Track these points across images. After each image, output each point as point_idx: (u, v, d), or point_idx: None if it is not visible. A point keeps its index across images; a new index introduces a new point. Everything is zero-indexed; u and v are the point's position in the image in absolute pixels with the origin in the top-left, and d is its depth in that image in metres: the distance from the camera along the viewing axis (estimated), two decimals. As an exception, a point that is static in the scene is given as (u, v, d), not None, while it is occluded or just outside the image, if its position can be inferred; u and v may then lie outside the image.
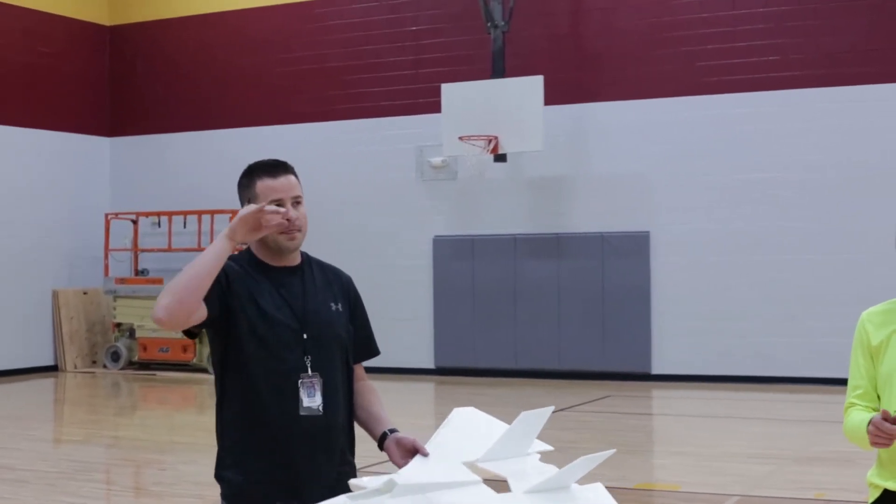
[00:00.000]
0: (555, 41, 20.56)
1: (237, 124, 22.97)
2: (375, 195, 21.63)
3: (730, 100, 19.36)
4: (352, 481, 3.55)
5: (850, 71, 18.63)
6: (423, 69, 21.37)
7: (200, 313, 3.93)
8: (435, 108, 20.15)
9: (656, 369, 19.62)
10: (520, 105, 19.11)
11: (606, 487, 3.62)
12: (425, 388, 19.59)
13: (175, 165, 23.53)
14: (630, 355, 19.71)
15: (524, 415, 3.69)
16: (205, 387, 19.96)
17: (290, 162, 4.40)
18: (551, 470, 3.69)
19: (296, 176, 4.29)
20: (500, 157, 19.77)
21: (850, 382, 4.13)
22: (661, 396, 18.45)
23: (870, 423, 3.78)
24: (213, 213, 22.01)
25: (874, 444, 3.79)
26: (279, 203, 4.13)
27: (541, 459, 3.81)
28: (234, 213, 22.02)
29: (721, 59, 19.43)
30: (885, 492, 3.96)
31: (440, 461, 3.71)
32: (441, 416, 14.28)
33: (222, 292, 4.03)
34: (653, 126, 19.79)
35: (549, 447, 3.92)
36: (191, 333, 4.13)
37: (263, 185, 4.18)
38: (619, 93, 20.12)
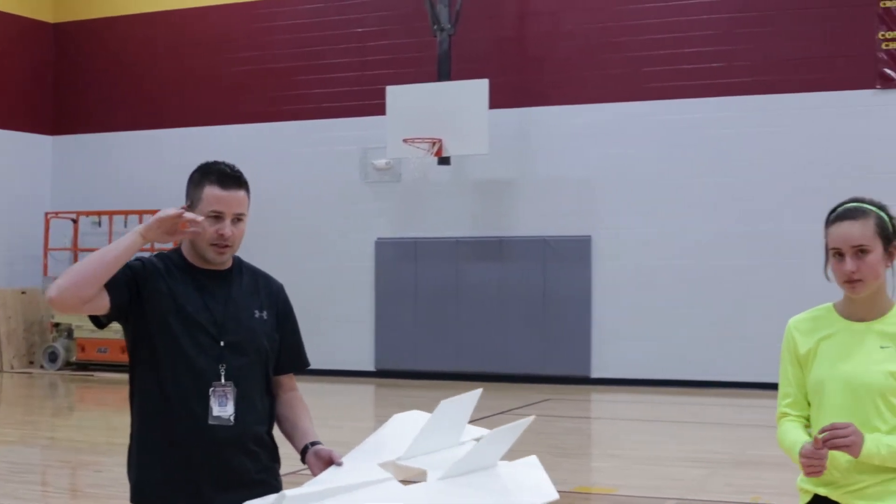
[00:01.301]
0: (500, 45, 20.62)
1: (182, 124, 22.84)
2: (319, 196, 21.59)
3: (674, 106, 19.51)
4: (247, 503, 3.53)
5: (794, 78, 18.82)
6: (368, 71, 21.36)
7: (101, 302, 3.84)
8: (380, 110, 20.15)
9: (596, 373, 19.72)
10: (465, 108, 19.14)
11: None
12: (366, 391, 19.56)
13: (118, 165, 23.36)
14: (570, 359, 19.80)
15: (445, 403, 3.64)
16: (144, 387, 19.84)
17: (234, 163, 4.35)
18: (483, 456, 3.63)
19: (247, 191, 4.19)
20: (444, 160, 19.78)
21: (780, 391, 4.17)
22: (600, 400, 18.54)
23: (801, 453, 3.85)
24: (154, 213, 21.81)
25: (809, 474, 3.85)
26: (219, 215, 4.05)
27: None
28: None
29: (666, 65, 19.57)
30: (815, 496, 4.02)
31: (353, 467, 3.66)
32: (381, 419, 14.24)
33: (130, 282, 3.95)
34: (597, 131, 19.89)
35: (485, 431, 3.87)
36: (98, 322, 4.00)
37: (210, 192, 4.08)
38: (564, 97, 20.21)
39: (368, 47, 21.47)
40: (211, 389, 3.95)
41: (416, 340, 20.66)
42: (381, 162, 20.91)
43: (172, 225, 3.87)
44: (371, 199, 21.36)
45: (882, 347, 3.94)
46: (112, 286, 3.87)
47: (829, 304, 4.13)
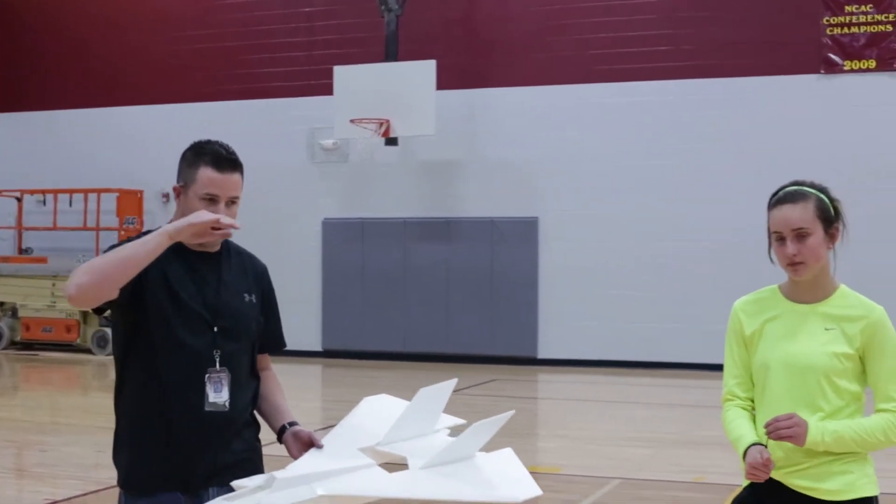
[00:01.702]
0: (448, 26, 20.62)
1: (128, 102, 22.66)
2: (266, 176, 21.47)
3: (621, 88, 19.60)
4: (234, 482, 3.49)
5: (739, 62, 18.98)
6: (316, 51, 21.29)
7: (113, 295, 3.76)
8: (327, 90, 20.09)
9: (542, 354, 19.83)
10: (412, 89, 19.13)
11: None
12: (313, 371, 19.56)
13: (62, 143, 23.13)
14: (517, 340, 19.89)
15: (423, 391, 3.65)
16: (88, 367, 19.72)
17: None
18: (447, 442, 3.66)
19: (241, 174, 4.11)
20: (392, 141, 19.78)
21: (725, 371, 4.22)
22: (547, 380, 18.65)
23: (748, 462, 3.91)
24: (99, 191, 21.72)
25: (750, 478, 3.92)
26: (214, 198, 3.94)
27: (453, 434, 3.76)
28: (122, 191, 21.66)
29: (613, 48, 19.65)
30: (759, 475, 4.09)
31: (335, 451, 3.65)
32: (329, 399, 14.27)
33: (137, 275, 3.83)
34: (544, 112, 19.95)
35: (460, 420, 3.91)
36: (99, 310, 3.88)
37: (205, 174, 3.96)
38: (511, 79, 20.25)
39: (316, 27, 21.40)
40: (207, 376, 3.90)
41: (363, 321, 20.67)
42: (328, 142, 20.88)
43: (205, 230, 3.74)
44: (318, 179, 21.32)
45: (826, 329, 4.00)
46: None
47: (775, 286, 4.18)
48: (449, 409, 3.89)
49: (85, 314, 21.35)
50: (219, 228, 3.78)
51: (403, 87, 19.22)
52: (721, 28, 19.13)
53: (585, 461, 11.05)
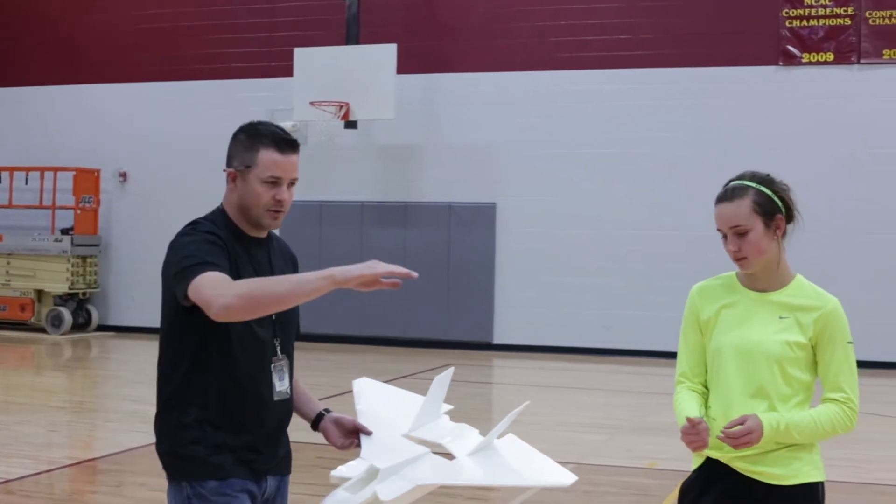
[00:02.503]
0: (409, 10, 20.59)
1: (87, 80, 22.49)
2: (224, 157, 21.39)
3: (580, 76, 19.65)
4: (334, 472, 3.50)
5: (698, 52, 19.07)
6: (276, 32, 21.21)
7: None
8: (287, 71, 20.03)
9: (498, 339, 19.88)
10: (372, 72, 19.10)
11: (445, 455, 3.71)
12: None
13: (19, 120, 22.94)
14: (473, 325, 19.93)
15: (437, 379, 3.81)
16: (42, 346, 19.60)
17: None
18: (468, 428, 3.89)
19: (297, 155, 4.01)
20: (351, 124, 19.75)
21: (679, 355, 4.27)
22: (502, 366, 18.71)
23: (682, 430, 3.95)
24: (56, 169, 21.56)
25: (693, 449, 3.98)
26: (277, 181, 3.88)
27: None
28: (78, 170, 21.53)
29: (573, 36, 19.70)
30: (708, 459, 4.13)
31: (385, 439, 3.75)
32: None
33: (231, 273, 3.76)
34: (503, 99, 19.98)
35: (449, 406, 4.08)
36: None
37: (269, 157, 3.89)
38: (471, 64, 20.26)
39: (278, 8, 21.32)
40: (272, 364, 3.91)
41: (319, 304, 20.45)
42: (287, 124, 20.68)
43: (375, 280, 3.62)
44: (277, 161, 21.20)
45: (781, 318, 4.05)
46: (222, 268, 3.72)
47: (732, 274, 4.23)
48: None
49: (40, 293, 21.23)
50: (389, 278, 3.66)
51: (364, 71, 19.18)
52: (680, 17, 19.21)
53: (539, 446, 11.02)
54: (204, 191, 21.63)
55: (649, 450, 10.94)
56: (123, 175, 22.14)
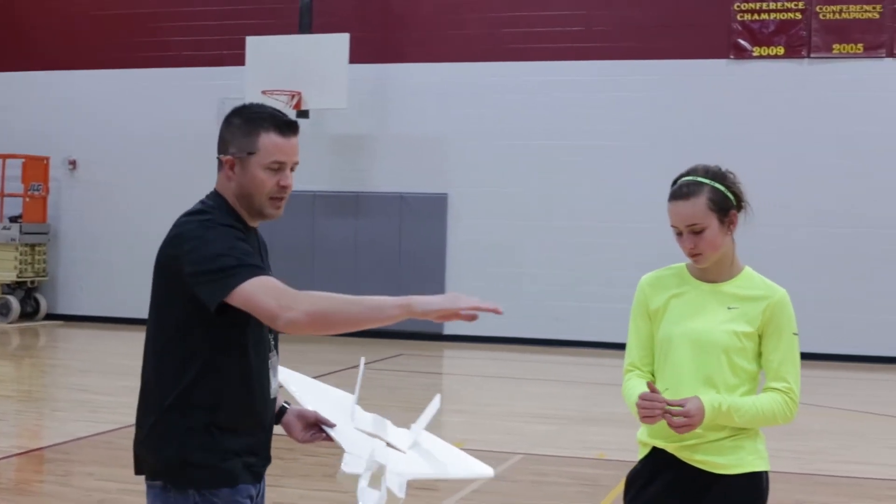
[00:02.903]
0: (362, 0, 20.55)
1: (37, 67, 22.27)
2: (176, 146, 21.30)
3: (532, 67, 19.70)
4: (345, 468, 3.43)
5: (650, 45, 19.16)
6: (229, 20, 21.10)
7: None
8: (239, 60, 19.93)
9: (448, 329, 19.89)
10: (325, 62, 19.04)
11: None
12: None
13: (-34, 105, 22.72)
14: (424, 315, 19.90)
15: (361, 369, 3.87)
16: (-10, 334, 19.44)
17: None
18: (384, 420, 3.84)
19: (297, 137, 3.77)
20: (303, 114, 19.67)
21: (628, 345, 4.30)
22: (452, 356, 18.74)
23: (639, 396, 3.97)
24: (5, 157, 21.37)
25: (644, 419, 3.99)
26: (280, 166, 3.65)
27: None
28: (28, 157, 21.26)
29: (525, 28, 19.74)
30: (654, 449, 4.17)
31: (346, 430, 3.69)
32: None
33: None
34: (456, 89, 19.99)
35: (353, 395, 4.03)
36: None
37: (270, 141, 3.63)
38: (424, 55, 20.25)
39: (229, -4, 21.24)
40: (269, 361, 3.73)
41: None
42: (239, 113, 20.68)
43: (454, 315, 3.40)
44: (228, 150, 21.10)
45: (729, 308, 4.08)
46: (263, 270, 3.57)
47: (682, 264, 4.26)
48: (353, 383, 3.95)
49: (-14, 281, 21.08)
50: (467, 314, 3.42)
51: (316, 60, 19.12)
52: (633, 10, 19.29)
53: (488, 436, 11.14)
54: (155, 179, 21.59)
55: (598, 440, 11.01)
56: (73, 163, 21.97)
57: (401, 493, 3.38)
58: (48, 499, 8.20)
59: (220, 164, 3.72)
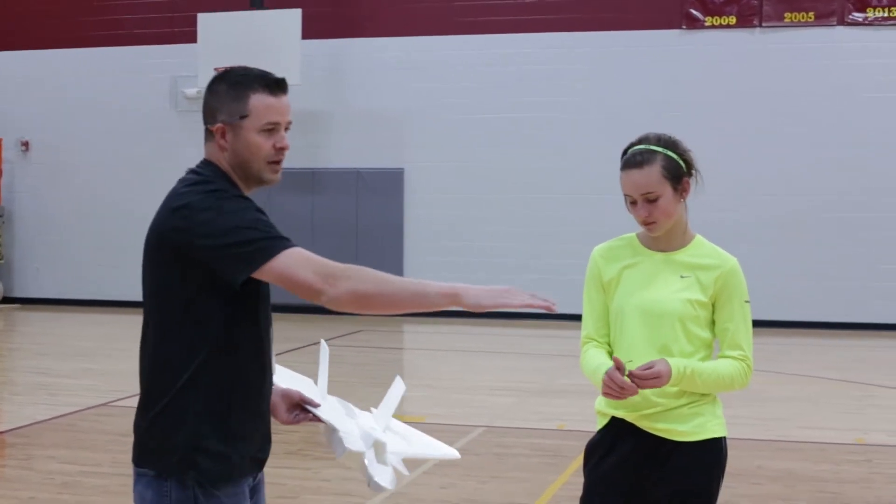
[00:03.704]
0: (314, -25, 20.47)
1: (-17, 47, 22.07)
2: (128, 125, 21.17)
3: (486, 40, 19.70)
4: (348, 449, 3.39)
5: (602, 17, 19.19)
6: (179, -2, 20.96)
7: None
8: (191, 37, 19.83)
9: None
10: (277, 38, 18.97)
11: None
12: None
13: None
14: (383, 291, 19.92)
15: (322, 351, 3.78)
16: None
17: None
18: (347, 403, 3.77)
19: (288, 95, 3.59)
20: (257, 91, 19.57)
21: (584, 316, 4.33)
22: (412, 331, 18.77)
23: (606, 373, 4.00)
24: None
25: (606, 395, 4.01)
26: (275, 127, 3.47)
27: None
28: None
29: (478, 1, 19.71)
30: (613, 419, 4.20)
31: (333, 409, 3.65)
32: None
33: None
34: (410, 64, 19.97)
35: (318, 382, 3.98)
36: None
37: (261, 101, 3.45)
38: (377, 29, 20.20)
39: (180, -26, 21.08)
40: (272, 335, 3.61)
41: (227, 272, 20.49)
42: (192, 91, 20.60)
43: (506, 306, 3.23)
44: (181, 128, 21.01)
45: (682, 277, 4.12)
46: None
47: (633, 235, 4.28)
48: (314, 359, 3.94)
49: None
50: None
51: (269, 36, 19.04)
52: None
53: (450, 410, 11.18)
54: (108, 159, 21.45)
55: (558, 412, 11.07)
56: (26, 144, 21.79)
57: (405, 471, 3.39)
58: (9, 483, 8.16)
59: (209, 134, 3.51)
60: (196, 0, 20.57)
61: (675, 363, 3.97)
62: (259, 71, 3.54)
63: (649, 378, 3.91)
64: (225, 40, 19.20)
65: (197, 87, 20.26)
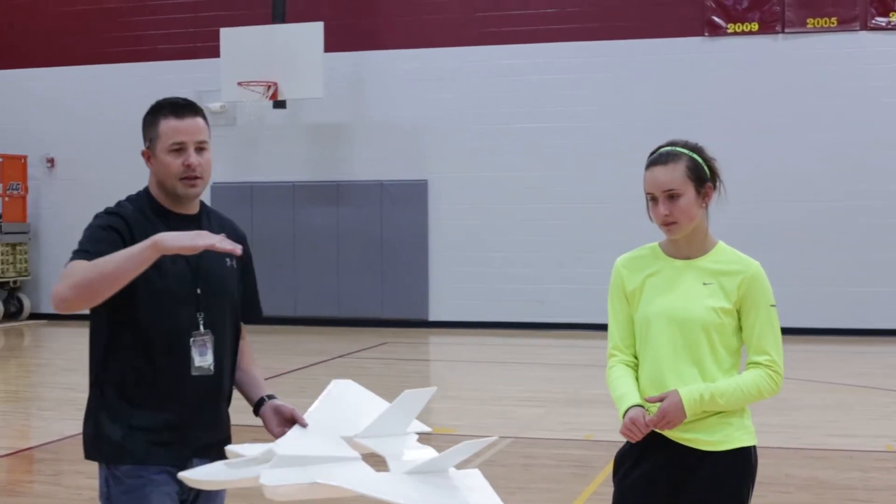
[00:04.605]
0: (335, -12, 20.52)
1: (11, 66, 22.14)
2: (152, 140, 21.23)
3: (508, 51, 19.69)
4: (228, 448, 3.46)
5: (625, 25, 19.17)
6: (202, 13, 21.03)
7: None
8: (214, 52, 19.87)
9: (433, 316, 19.92)
10: (300, 51, 19.01)
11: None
12: (203, 336, 19.39)
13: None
14: (408, 302, 19.96)
15: (406, 393, 3.63)
16: (-27, 336, 19.38)
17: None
18: (429, 452, 3.66)
19: (204, 119, 3.99)
20: (280, 104, 19.66)
21: (609, 329, 4.31)
22: (438, 343, 18.76)
23: (626, 414, 4.02)
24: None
25: (625, 436, 4.04)
26: (181, 146, 3.86)
27: (418, 440, 3.77)
28: (5, 157, 21.21)
29: (500, 11, 19.72)
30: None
31: (318, 434, 3.62)
32: (219, 364, 13.82)
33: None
34: (432, 75, 19.97)
35: (426, 428, 3.86)
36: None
37: (168, 125, 3.87)
38: (399, 41, 20.22)
39: (202, -11, 21.16)
40: (191, 339, 3.83)
41: (253, 285, 20.52)
42: (215, 105, 20.66)
43: (194, 249, 3.56)
44: (206, 143, 21.06)
45: (705, 284, 4.10)
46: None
47: (655, 244, 4.27)
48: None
49: (-32, 282, 21.00)
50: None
51: (291, 50, 19.09)
52: (605, -9, 19.32)
53: (477, 421, 11.17)
54: (132, 175, 21.46)
55: (586, 422, 11.04)
56: (51, 161, 21.90)
57: (266, 481, 3.18)
58: (39, 499, 8.19)
59: (144, 158, 3.98)
60: (218, 15, 20.65)
61: (688, 393, 3.96)
62: (173, 98, 4.00)
63: (659, 422, 3.95)
64: (247, 54, 19.25)
65: (220, 102, 20.33)
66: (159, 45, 21.34)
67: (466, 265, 19.81)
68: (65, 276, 3.61)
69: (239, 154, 21.01)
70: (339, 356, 15.61)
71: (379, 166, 20.27)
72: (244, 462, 3.33)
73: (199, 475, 3.34)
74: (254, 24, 19.86)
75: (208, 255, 3.83)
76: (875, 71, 18.48)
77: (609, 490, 4.33)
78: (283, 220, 20.53)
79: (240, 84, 19.20)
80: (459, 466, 3.58)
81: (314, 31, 19.06)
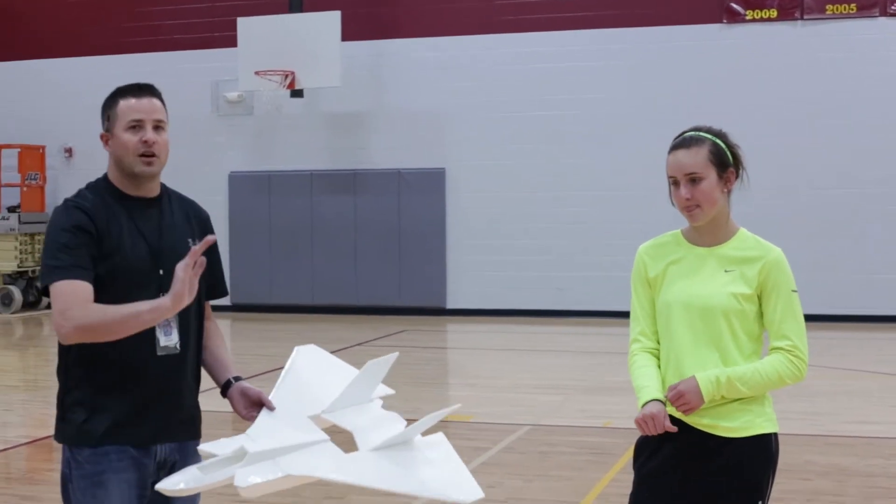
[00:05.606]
0: (352, -24, 20.49)
1: (29, 56, 22.21)
2: (171, 130, 21.13)
3: (525, 39, 19.64)
4: (201, 448, 3.46)
5: (643, 12, 19.11)
6: (219, 2, 21.04)
7: None
8: (231, 42, 19.88)
9: (451, 304, 19.91)
10: (317, 40, 19.00)
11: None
12: (221, 325, 19.38)
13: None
14: (426, 290, 19.96)
15: (370, 364, 3.68)
16: (-7, 325, 19.44)
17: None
18: (395, 419, 3.74)
19: (161, 101, 4.11)
20: (297, 93, 19.66)
21: (632, 316, 4.30)
22: (456, 330, 18.75)
23: (645, 405, 4.03)
24: (0, 147, 21.32)
25: (639, 426, 4.04)
26: (138, 124, 3.98)
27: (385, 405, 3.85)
28: (23, 147, 21.23)
29: (517, -2, 19.70)
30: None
31: (286, 417, 3.65)
32: (238, 354, 14.08)
33: (94, 260, 3.81)
34: (449, 63, 19.94)
35: (389, 391, 3.93)
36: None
37: (126, 104, 4.01)
38: (416, 29, 20.19)
39: (219, -22, 21.15)
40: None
41: (271, 274, 20.59)
42: (233, 94, 20.69)
43: (185, 287, 3.53)
44: (223, 132, 21.13)
45: (726, 271, 4.09)
46: (89, 276, 3.79)
47: (677, 231, 4.26)
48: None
49: (-13, 272, 21.07)
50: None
51: (308, 39, 19.08)
52: (623, -22, 19.24)
53: (496, 409, 11.16)
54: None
55: (604, 409, 11.02)
56: (69, 151, 21.94)
57: (240, 483, 3.23)
58: (58, 487, 8.20)
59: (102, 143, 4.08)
60: (235, 4, 20.65)
61: (705, 378, 3.96)
62: (131, 83, 4.14)
63: (675, 403, 3.96)
64: (265, 44, 19.25)
65: (238, 91, 20.35)
66: (177, 35, 21.36)
67: (484, 253, 19.79)
68: (64, 310, 3.68)
69: (256, 143, 21.02)
70: (358, 344, 15.62)
71: (396, 155, 20.25)
72: (217, 463, 3.36)
73: (175, 484, 3.36)
74: (271, 13, 19.86)
75: (171, 235, 3.98)
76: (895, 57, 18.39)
77: (627, 477, 4.32)
78: (301, 208, 20.54)
79: (257, 73, 19.20)
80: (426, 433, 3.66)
81: (331, 20, 19.05)
